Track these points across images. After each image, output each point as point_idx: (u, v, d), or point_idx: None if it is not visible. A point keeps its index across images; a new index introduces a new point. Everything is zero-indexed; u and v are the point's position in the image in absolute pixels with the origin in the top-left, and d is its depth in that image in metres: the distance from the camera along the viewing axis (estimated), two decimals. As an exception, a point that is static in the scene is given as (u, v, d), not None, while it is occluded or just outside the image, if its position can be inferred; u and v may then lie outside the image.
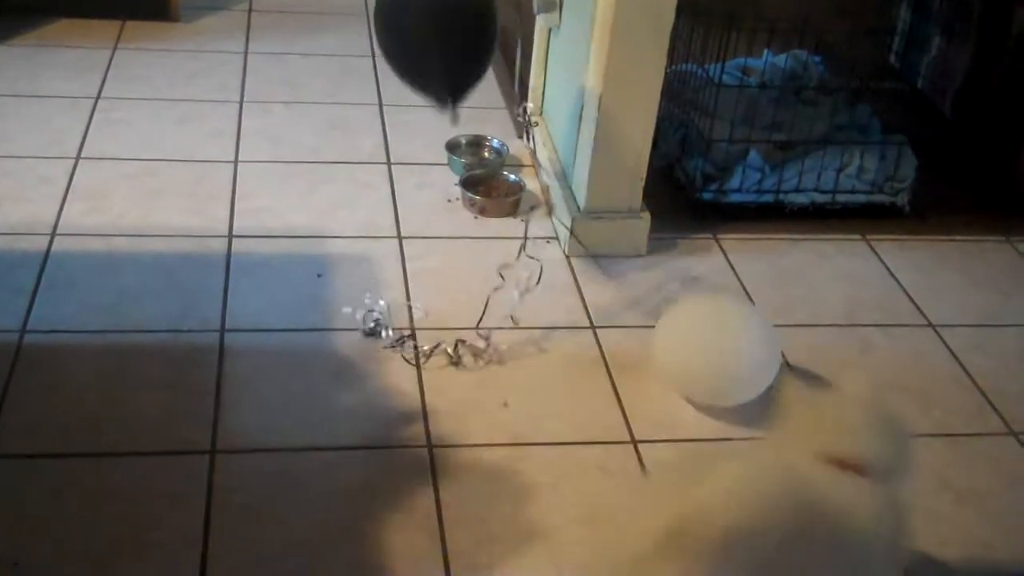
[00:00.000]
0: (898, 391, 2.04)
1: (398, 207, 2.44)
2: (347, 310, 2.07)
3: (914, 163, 2.59)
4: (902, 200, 2.57)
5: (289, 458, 1.77)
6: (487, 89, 2.87)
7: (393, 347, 2.01)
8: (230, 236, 2.29)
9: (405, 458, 1.79)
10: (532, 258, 2.15)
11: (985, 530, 1.76)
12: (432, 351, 2.00)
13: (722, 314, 1.96)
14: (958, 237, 2.55)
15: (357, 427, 1.84)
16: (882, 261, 2.43)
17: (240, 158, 2.58)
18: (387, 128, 2.77)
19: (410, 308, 2.12)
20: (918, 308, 2.29)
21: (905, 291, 2.34)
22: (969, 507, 1.80)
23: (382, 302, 2.09)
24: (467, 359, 2.01)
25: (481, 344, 2.02)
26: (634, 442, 1.86)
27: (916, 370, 2.11)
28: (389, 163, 2.62)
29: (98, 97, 2.79)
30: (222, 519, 1.63)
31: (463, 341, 2.02)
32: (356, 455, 1.79)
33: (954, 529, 1.75)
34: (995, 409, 2.02)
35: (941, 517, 1.77)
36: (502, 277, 2.11)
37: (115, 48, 3.04)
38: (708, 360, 1.90)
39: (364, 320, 2.05)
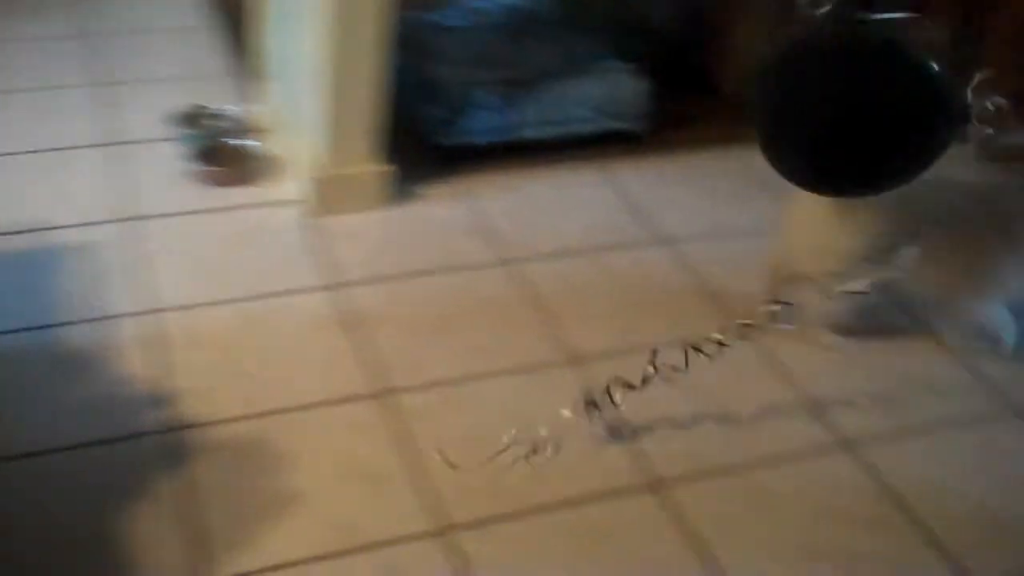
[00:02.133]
0: (640, 308, 2.11)
1: (127, 189, 2.33)
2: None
3: (647, 88, 2.64)
4: (637, 125, 2.64)
5: (25, 465, 1.68)
6: (206, 54, 2.79)
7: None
8: (-59, 240, 2.14)
9: (153, 445, 1.73)
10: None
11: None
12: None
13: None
14: (691, 155, 2.64)
15: (97, 421, 1.76)
16: (619, 186, 2.49)
17: (-55, 156, 2.41)
18: (102, 108, 2.62)
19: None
20: (653, 227, 2.36)
21: (640, 212, 2.41)
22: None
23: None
24: (211, 332, 1.95)
25: (219, 318, 1.97)
26: (380, 394, 1.86)
27: (656, 287, 2.18)
28: (111, 144, 2.49)
29: None
30: (-47, 538, 1.54)
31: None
32: (98, 450, 1.71)
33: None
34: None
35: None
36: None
37: None
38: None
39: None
